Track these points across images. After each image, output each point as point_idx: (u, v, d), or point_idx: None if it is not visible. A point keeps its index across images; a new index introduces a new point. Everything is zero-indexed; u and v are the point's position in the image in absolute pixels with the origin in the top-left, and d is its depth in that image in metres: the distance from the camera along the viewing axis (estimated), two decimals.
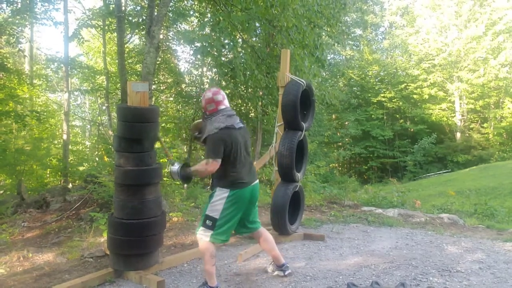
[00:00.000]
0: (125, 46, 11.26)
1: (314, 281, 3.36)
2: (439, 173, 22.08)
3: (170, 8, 10.53)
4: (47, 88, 15.05)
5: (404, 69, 28.04)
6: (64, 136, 11.03)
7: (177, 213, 5.61)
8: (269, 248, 3.37)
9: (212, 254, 3.01)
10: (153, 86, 8.36)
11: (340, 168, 27.32)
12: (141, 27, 11.27)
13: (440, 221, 5.92)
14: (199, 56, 10.79)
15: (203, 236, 3.02)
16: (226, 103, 3.09)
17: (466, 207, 7.76)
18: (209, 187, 3.25)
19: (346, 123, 26.47)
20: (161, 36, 11.34)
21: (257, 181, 3.21)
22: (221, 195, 3.01)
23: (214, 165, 2.91)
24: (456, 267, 3.71)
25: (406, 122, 27.69)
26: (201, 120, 3.22)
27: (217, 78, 11.52)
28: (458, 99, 26.24)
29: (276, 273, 3.45)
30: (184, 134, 14.34)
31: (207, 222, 3.01)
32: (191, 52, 12.74)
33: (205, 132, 2.98)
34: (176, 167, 3.09)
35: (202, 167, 2.98)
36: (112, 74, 13.08)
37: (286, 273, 3.41)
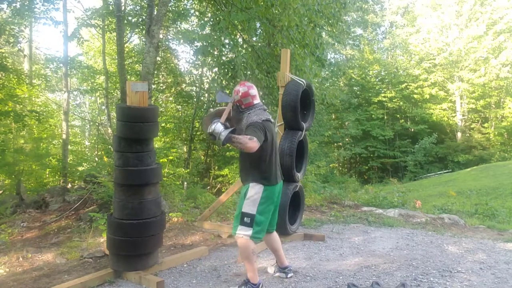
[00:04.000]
0: (125, 45, 11.26)
1: (314, 281, 3.34)
2: (440, 173, 22.05)
3: (170, 8, 10.52)
4: (47, 88, 15.04)
5: (405, 68, 27.99)
6: (64, 136, 11.02)
7: (177, 213, 5.60)
8: (275, 248, 3.34)
9: (254, 251, 2.95)
10: (153, 86, 8.34)
11: (340, 168, 27.29)
12: (141, 27, 11.26)
13: (441, 221, 5.90)
14: (199, 56, 10.79)
15: (243, 235, 2.92)
16: (258, 98, 3.10)
17: (467, 207, 7.75)
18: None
19: (347, 123, 26.42)
20: (161, 36, 11.33)
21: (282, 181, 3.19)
22: (256, 189, 2.94)
23: (256, 145, 2.72)
24: (457, 267, 3.70)
25: (406, 122, 27.64)
26: (218, 108, 3.14)
27: (217, 78, 11.51)
28: (459, 99, 26.21)
29: (277, 274, 3.44)
30: (184, 134, 14.33)
31: (245, 219, 2.92)
32: (191, 52, 12.74)
33: (245, 124, 2.92)
34: (221, 128, 2.85)
35: (245, 139, 2.73)
36: (112, 74, 13.07)
37: (288, 276, 3.39)
